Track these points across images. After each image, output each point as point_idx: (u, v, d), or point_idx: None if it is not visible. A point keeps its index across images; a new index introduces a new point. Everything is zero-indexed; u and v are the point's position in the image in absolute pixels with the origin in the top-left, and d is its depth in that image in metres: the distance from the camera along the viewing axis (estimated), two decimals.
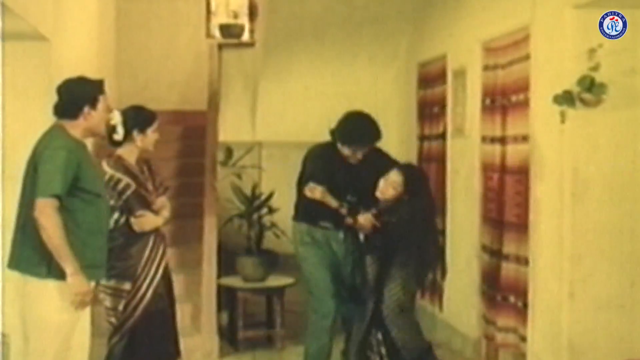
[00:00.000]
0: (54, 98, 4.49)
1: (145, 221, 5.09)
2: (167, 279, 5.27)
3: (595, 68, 4.88)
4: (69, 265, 4.12)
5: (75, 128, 4.35)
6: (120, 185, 5.01)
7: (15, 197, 4.39)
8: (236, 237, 7.90)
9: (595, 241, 5.10)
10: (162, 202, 5.29)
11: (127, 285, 5.01)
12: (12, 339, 4.46)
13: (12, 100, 5.81)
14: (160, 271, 5.16)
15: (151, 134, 5.25)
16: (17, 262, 4.27)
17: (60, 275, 4.14)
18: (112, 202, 4.91)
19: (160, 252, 5.20)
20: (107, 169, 5.05)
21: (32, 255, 4.18)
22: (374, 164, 5.64)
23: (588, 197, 5.09)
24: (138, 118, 5.22)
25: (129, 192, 5.03)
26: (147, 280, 5.08)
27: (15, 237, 4.31)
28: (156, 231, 5.19)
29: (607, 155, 5.09)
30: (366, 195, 5.54)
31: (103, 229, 4.48)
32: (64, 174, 4.14)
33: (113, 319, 5.02)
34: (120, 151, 5.16)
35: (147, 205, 5.14)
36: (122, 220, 5.02)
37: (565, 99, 4.94)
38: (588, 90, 4.89)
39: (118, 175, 5.02)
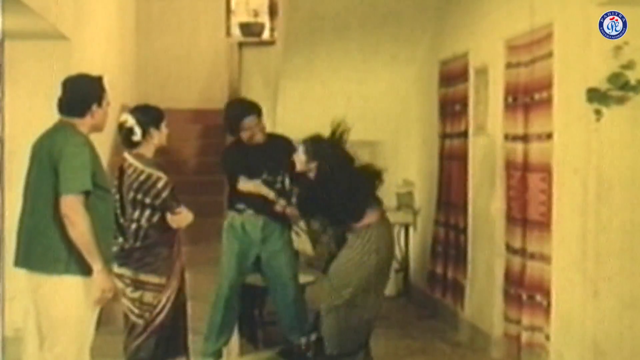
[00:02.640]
0: None
1: (183, 218, 5.16)
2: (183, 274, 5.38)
3: (629, 66, 4.84)
4: (97, 262, 4.12)
5: (83, 125, 4.36)
6: (160, 184, 5.05)
7: None
8: None
9: (619, 240, 5.05)
10: None
11: (164, 280, 5.07)
12: (27, 336, 4.45)
13: (33, 99, 5.84)
14: (182, 266, 5.23)
15: (164, 129, 5.32)
16: (25, 259, 4.25)
17: (78, 271, 4.14)
18: (147, 201, 5.01)
19: (180, 247, 5.29)
20: (144, 167, 5.06)
21: (46, 252, 4.17)
22: (279, 144, 6.22)
23: (612, 196, 5.04)
24: (151, 116, 5.27)
25: (168, 190, 5.07)
26: (176, 275, 5.15)
27: (22, 235, 4.28)
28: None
29: (632, 153, 5.03)
30: (279, 172, 6.13)
31: (111, 224, 4.54)
32: (89, 170, 4.17)
33: (147, 314, 5.05)
34: (140, 151, 5.17)
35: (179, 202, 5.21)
36: (156, 217, 5.07)
37: (599, 97, 4.90)
38: (621, 89, 4.85)
39: (157, 173, 5.06)
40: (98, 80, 4.50)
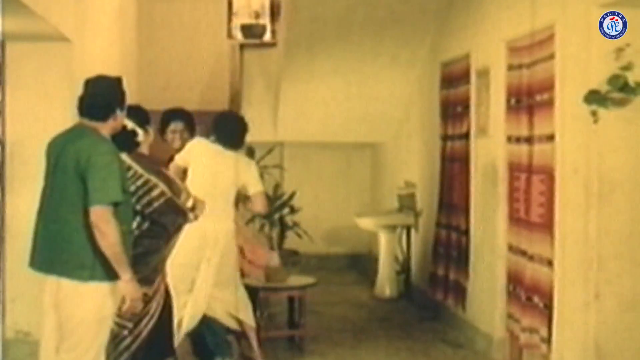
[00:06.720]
0: (75, 98, 4.45)
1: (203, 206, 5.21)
2: None
3: (628, 67, 4.84)
4: (125, 272, 4.12)
5: (105, 129, 4.32)
6: (155, 192, 4.83)
7: (33, 195, 4.35)
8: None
9: (621, 242, 5.05)
10: None
11: (149, 290, 4.97)
12: (43, 338, 4.40)
13: (34, 100, 5.84)
14: (164, 272, 5.17)
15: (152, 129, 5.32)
16: (47, 264, 4.20)
17: (104, 277, 4.12)
18: (138, 207, 4.77)
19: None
20: (143, 172, 4.89)
21: (71, 258, 4.14)
22: None
23: (614, 198, 5.05)
24: (144, 115, 5.20)
25: (161, 201, 4.95)
26: (162, 282, 5.08)
27: (42, 239, 4.23)
28: None
29: (634, 155, 5.03)
30: None
31: (130, 228, 4.47)
32: (119, 180, 4.15)
33: (129, 324, 4.95)
34: (140, 151, 5.11)
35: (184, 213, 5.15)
36: (146, 225, 4.96)
37: (597, 98, 4.89)
38: (620, 90, 4.84)
39: (155, 180, 4.87)
40: (119, 82, 4.46)
